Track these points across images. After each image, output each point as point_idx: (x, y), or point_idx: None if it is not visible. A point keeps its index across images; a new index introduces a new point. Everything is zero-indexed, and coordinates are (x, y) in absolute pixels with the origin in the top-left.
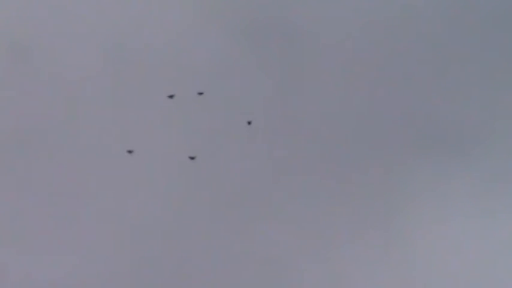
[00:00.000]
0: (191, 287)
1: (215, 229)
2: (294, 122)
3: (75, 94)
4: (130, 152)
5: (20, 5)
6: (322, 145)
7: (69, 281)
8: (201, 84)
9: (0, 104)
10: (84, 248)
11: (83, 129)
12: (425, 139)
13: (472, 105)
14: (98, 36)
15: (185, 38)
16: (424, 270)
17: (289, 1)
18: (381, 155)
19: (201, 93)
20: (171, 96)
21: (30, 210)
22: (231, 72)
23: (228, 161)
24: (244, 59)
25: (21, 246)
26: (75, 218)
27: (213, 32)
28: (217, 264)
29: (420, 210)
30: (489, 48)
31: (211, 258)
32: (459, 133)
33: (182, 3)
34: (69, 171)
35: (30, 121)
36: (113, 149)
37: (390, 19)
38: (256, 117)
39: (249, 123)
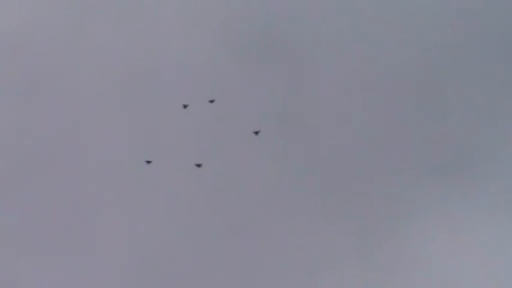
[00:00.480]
0: None
1: (225, 238)
2: (298, 139)
3: (89, 104)
4: (148, 162)
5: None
6: (328, 165)
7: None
8: (210, 95)
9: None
10: (98, 257)
11: (95, 138)
12: (430, 162)
13: (478, 130)
14: (111, 52)
15: (193, 51)
16: None
17: (290, 18)
18: (386, 176)
19: (212, 101)
20: (185, 106)
21: (50, 220)
22: (237, 83)
23: (235, 169)
24: (250, 71)
25: (36, 257)
26: (88, 228)
27: (220, 47)
28: (225, 271)
29: (425, 231)
30: (496, 74)
31: (219, 264)
32: (465, 156)
33: (191, 20)
34: (82, 182)
35: (47, 132)
36: (123, 159)
37: (392, 43)
38: (262, 132)
39: (256, 133)
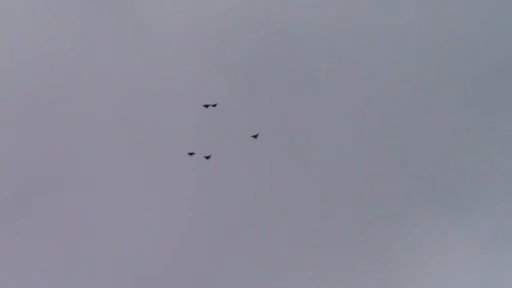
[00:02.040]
0: None
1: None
2: (295, 158)
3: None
4: (191, 154)
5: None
6: (328, 195)
7: None
8: (214, 118)
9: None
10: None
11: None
12: (426, 191)
13: (473, 164)
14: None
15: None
16: None
17: (288, 44)
18: (385, 208)
19: (255, 136)
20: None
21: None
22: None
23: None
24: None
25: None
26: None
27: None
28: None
29: (422, 260)
30: (492, 103)
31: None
32: (463, 189)
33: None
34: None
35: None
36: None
37: (391, 71)
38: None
39: (255, 136)
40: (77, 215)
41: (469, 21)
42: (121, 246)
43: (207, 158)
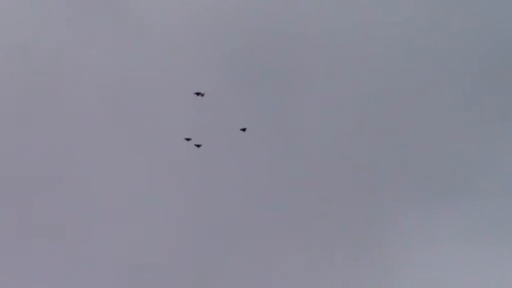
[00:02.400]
0: None
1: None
2: (288, 157)
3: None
4: (188, 139)
5: None
6: (321, 191)
7: None
8: (210, 119)
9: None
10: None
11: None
12: (415, 187)
13: (461, 158)
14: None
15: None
16: None
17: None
18: (374, 201)
19: (243, 130)
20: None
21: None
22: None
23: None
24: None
25: None
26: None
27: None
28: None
29: (409, 253)
30: (483, 104)
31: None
32: (448, 181)
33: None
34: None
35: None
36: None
37: (387, 83)
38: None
39: (244, 130)
40: (76, 215)
41: (468, 22)
42: (119, 244)
43: (198, 146)
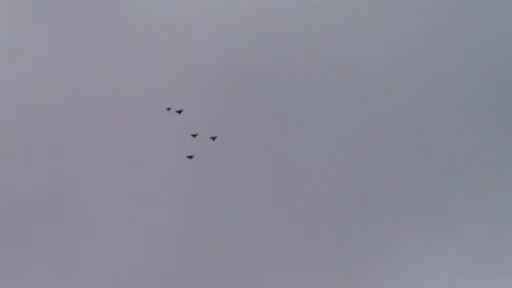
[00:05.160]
0: None
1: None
2: (290, 190)
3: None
4: (195, 135)
5: None
6: (321, 217)
7: None
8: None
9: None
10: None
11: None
12: (417, 213)
13: (461, 186)
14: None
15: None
16: None
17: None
18: (376, 226)
19: (214, 138)
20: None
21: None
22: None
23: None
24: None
25: None
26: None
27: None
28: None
29: (410, 278)
30: (479, 131)
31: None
32: (449, 208)
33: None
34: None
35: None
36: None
37: (384, 102)
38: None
39: (213, 139)
40: (75, 218)
41: (468, 21)
42: (119, 244)
43: (190, 157)
